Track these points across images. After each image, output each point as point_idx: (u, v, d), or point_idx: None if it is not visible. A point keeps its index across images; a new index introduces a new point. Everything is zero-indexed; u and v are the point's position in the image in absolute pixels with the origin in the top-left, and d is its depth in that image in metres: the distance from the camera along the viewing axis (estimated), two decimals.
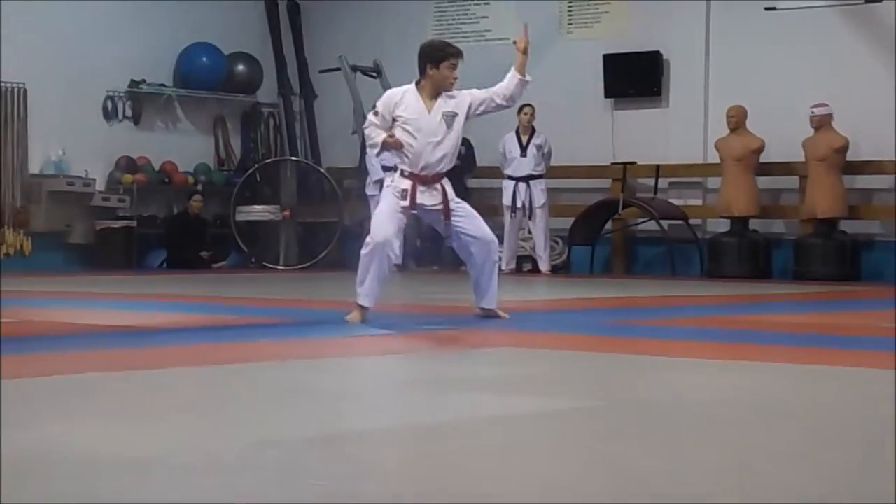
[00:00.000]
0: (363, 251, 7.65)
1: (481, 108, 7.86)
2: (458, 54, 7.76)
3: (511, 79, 7.84)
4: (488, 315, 7.90)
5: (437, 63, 7.67)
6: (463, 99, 7.78)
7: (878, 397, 4.78)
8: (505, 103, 7.92)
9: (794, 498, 3.11)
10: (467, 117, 7.82)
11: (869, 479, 3.31)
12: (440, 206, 7.72)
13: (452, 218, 7.81)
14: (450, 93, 7.74)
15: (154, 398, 4.67)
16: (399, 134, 7.68)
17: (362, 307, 7.62)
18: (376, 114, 7.75)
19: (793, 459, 3.60)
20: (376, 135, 7.69)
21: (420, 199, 7.67)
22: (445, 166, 7.78)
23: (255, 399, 4.68)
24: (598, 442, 3.87)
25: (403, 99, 7.70)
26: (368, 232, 7.77)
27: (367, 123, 7.81)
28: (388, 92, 7.94)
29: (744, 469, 3.44)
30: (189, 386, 5.06)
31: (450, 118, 7.70)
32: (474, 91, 7.86)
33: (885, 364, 5.86)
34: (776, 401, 4.80)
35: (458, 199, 7.96)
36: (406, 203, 7.66)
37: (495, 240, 8.01)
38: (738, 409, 4.49)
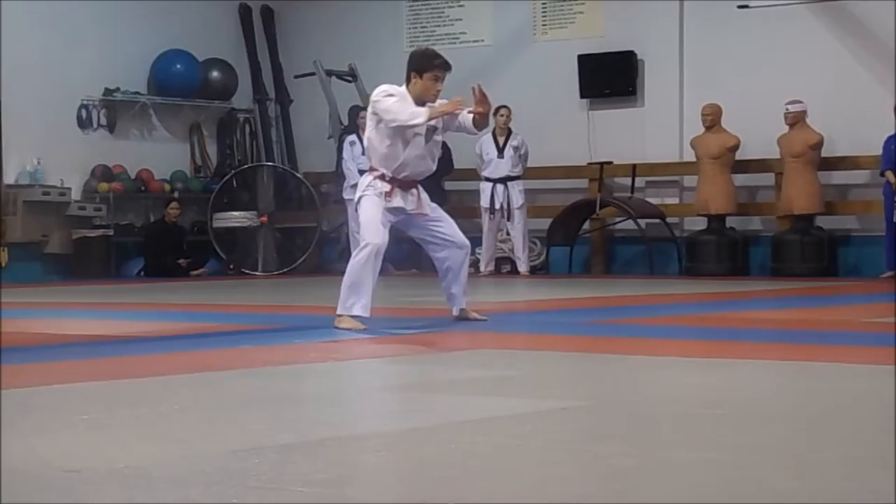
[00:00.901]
0: (357, 258, 7.48)
1: (454, 127, 7.75)
2: (443, 66, 7.59)
3: (468, 118, 7.60)
4: (465, 317, 7.89)
5: (420, 72, 7.54)
6: None
7: (861, 393, 4.80)
8: (468, 132, 7.86)
9: (781, 496, 3.12)
10: (444, 130, 7.76)
11: (855, 476, 3.32)
12: (417, 211, 7.69)
13: (428, 222, 7.78)
14: (433, 104, 7.57)
15: (136, 407, 4.65)
16: (384, 134, 7.54)
17: (356, 317, 7.44)
18: (391, 95, 7.47)
19: (778, 457, 3.60)
20: (417, 111, 7.34)
21: (399, 202, 7.63)
22: (425, 174, 7.76)
23: (237, 406, 4.67)
24: (584, 442, 3.87)
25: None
26: (348, 238, 7.73)
27: (393, 106, 7.38)
28: (390, 86, 7.58)
29: (730, 467, 3.44)
30: (171, 394, 5.04)
31: (430, 130, 7.63)
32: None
33: (866, 359, 5.89)
34: (759, 398, 4.81)
35: (433, 204, 7.93)
36: (392, 204, 7.58)
37: (468, 245, 7.98)
38: (722, 407, 4.49)
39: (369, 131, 7.67)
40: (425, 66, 7.55)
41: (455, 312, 7.94)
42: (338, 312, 7.51)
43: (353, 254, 7.67)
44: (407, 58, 7.81)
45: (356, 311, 7.43)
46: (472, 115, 7.60)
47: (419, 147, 7.61)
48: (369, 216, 7.57)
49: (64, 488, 3.25)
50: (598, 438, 3.92)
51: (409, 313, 9.18)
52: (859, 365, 5.65)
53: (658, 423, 4.26)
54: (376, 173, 7.65)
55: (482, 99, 7.58)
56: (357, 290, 7.44)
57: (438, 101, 7.58)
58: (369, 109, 7.69)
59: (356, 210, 7.83)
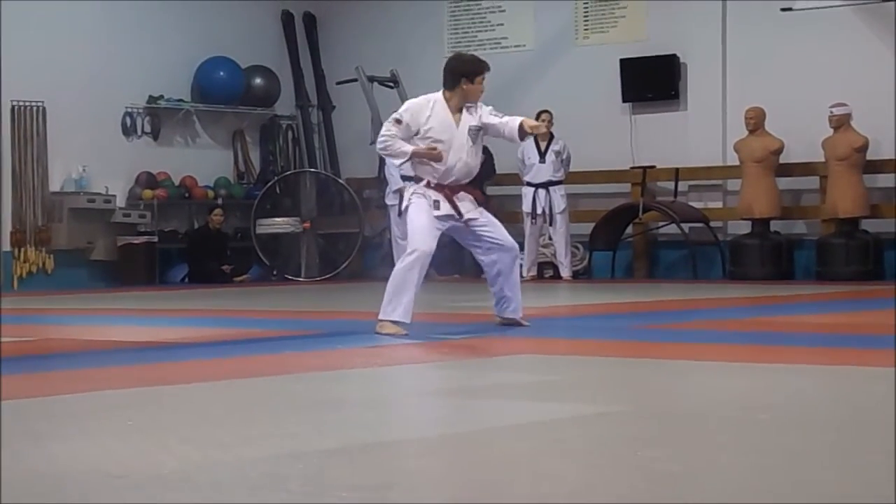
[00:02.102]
0: (403, 264, 7.51)
1: (492, 133, 7.78)
2: (489, 68, 7.76)
3: (514, 128, 7.64)
4: (510, 323, 7.86)
5: (472, 77, 7.60)
6: (483, 113, 7.70)
7: None
8: (508, 140, 7.88)
9: (825, 499, 3.10)
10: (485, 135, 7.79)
11: None
12: (466, 216, 7.70)
13: (476, 226, 7.78)
14: (470, 104, 7.66)
15: (180, 412, 4.67)
16: (427, 144, 7.56)
17: (397, 322, 7.45)
18: (398, 122, 7.57)
19: (822, 461, 3.58)
20: (401, 145, 7.55)
21: (448, 209, 7.63)
22: (470, 177, 7.77)
23: (281, 411, 4.68)
24: (627, 446, 3.86)
25: (433, 112, 7.58)
26: (391, 243, 7.76)
27: (385, 134, 7.57)
28: (414, 102, 7.71)
29: (775, 472, 3.42)
30: (216, 400, 5.06)
31: (474, 132, 7.66)
32: (489, 111, 7.71)
33: None
34: (803, 402, 4.78)
35: (480, 208, 7.93)
36: (441, 212, 7.61)
37: (517, 247, 7.98)
38: (766, 412, 4.47)
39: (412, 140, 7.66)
40: (476, 71, 7.64)
41: (504, 316, 7.89)
42: (379, 318, 7.52)
43: (400, 259, 7.67)
44: (444, 62, 7.84)
45: (397, 317, 7.44)
46: (518, 127, 7.61)
47: (462, 150, 7.62)
48: (418, 223, 7.61)
49: (109, 493, 3.27)
50: (641, 443, 3.91)
51: (452, 318, 9.18)
52: None
53: (702, 427, 4.24)
54: (423, 182, 7.66)
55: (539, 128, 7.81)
56: (399, 296, 7.45)
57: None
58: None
59: (401, 217, 7.84)
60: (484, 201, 8.07)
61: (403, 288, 7.46)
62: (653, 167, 14.81)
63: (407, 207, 7.69)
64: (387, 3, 16.94)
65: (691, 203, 14.75)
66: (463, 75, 7.60)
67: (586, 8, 15.79)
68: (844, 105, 13.68)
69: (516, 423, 4.30)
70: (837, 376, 5.56)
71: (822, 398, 4.95)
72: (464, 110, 7.61)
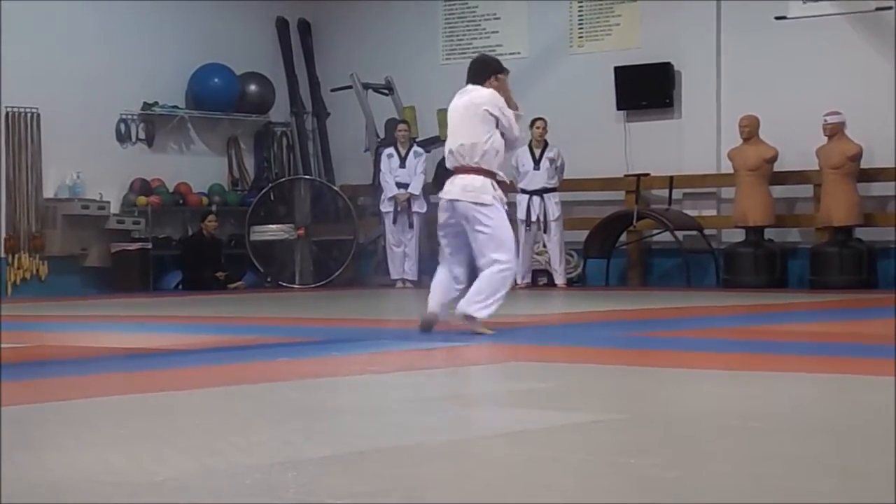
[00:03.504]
0: (499, 270, 7.73)
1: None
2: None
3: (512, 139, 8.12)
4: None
5: (502, 70, 8.07)
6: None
7: None
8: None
9: None
10: None
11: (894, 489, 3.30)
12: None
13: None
14: None
15: (175, 420, 4.67)
16: (498, 139, 7.96)
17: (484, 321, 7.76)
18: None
19: (816, 469, 3.58)
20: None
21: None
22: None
23: (276, 419, 4.68)
24: (622, 454, 3.86)
25: None
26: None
27: (514, 121, 7.98)
28: (495, 93, 7.99)
29: (769, 480, 3.42)
30: (210, 407, 5.06)
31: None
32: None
33: None
34: (797, 411, 4.78)
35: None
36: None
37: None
38: (760, 420, 4.47)
39: (495, 138, 7.90)
40: (504, 69, 8.13)
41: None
42: (472, 314, 7.70)
43: (497, 268, 7.76)
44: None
45: (485, 316, 7.73)
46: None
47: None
48: (509, 233, 7.96)
49: (104, 502, 3.26)
50: (635, 451, 3.91)
51: (446, 326, 9.17)
52: None
53: (696, 435, 4.24)
54: (494, 180, 7.95)
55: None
56: (488, 298, 7.70)
57: None
58: (488, 113, 7.88)
59: (486, 216, 7.85)
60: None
61: (496, 293, 7.75)
62: (647, 175, 14.82)
63: (491, 207, 7.86)
64: (381, 10, 16.95)
65: (685, 211, 14.76)
66: (495, 72, 8.03)
67: (581, 16, 15.81)
68: (838, 113, 13.71)
69: (510, 430, 4.30)
70: (832, 385, 5.57)
71: (817, 407, 4.95)
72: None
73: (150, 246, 15.46)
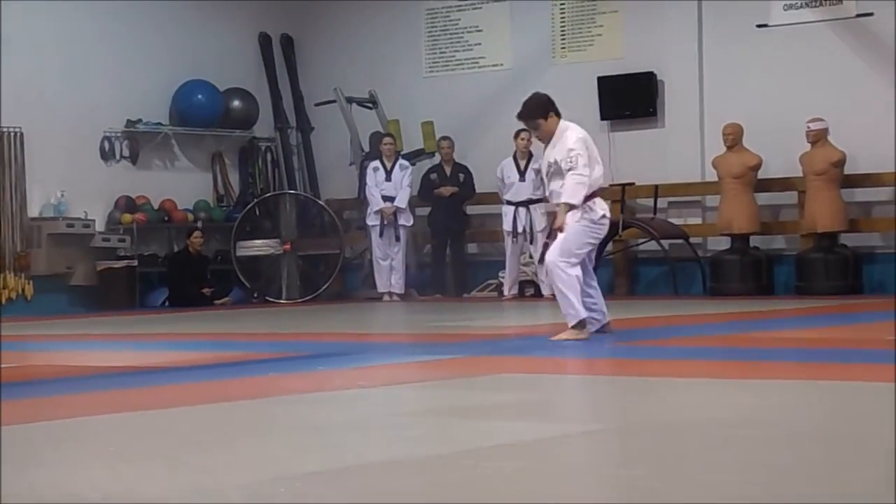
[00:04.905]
0: (567, 274, 8.02)
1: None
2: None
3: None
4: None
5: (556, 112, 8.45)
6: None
7: (889, 411, 4.77)
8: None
9: None
10: None
11: (885, 495, 3.30)
12: None
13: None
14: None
15: (162, 438, 4.65)
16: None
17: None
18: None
19: (806, 477, 3.58)
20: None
21: None
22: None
23: (263, 434, 4.67)
24: (612, 466, 3.86)
25: None
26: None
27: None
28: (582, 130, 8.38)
29: (758, 488, 3.42)
30: (197, 425, 5.04)
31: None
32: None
33: (892, 377, 5.84)
34: (785, 418, 4.78)
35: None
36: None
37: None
38: (748, 428, 4.47)
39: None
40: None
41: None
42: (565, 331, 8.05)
43: (562, 270, 8.05)
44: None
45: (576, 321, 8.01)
46: None
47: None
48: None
49: None
50: (625, 461, 3.91)
51: (434, 338, 9.17)
52: (885, 383, 5.61)
53: (685, 445, 4.24)
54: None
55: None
56: (571, 304, 8.03)
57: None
58: (578, 149, 8.26)
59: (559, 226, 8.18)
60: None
61: (571, 297, 8.09)
62: (632, 184, 14.83)
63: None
64: (364, 24, 16.96)
65: (671, 219, 14.78)
66: (553, 110, 8.50)
67: (563, 26, 15.83)
68: (821, 120, 13.74)
69: (499, 442, 4.30)
70: (819, 391, 5.57)
71: (804, 413, 4.95)
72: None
73: (135, 263, 15.42)
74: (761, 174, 14.18)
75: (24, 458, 4.19)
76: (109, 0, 15.76)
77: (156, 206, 16.01)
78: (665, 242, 14.38)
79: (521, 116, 8.47)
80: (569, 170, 8.11)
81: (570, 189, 8.10)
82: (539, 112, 8.26)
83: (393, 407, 5.71)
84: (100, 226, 15.43)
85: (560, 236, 8.09)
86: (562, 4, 15.83)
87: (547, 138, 8.35)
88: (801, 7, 14.32)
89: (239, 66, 16.87)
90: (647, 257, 15.07)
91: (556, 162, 8.21)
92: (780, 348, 7.81)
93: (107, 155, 15.82)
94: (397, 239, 15.24)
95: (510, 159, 14.78)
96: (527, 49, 15.97)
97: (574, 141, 8.20)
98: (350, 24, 17.04)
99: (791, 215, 14.40)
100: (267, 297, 15.81)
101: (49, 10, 15.21)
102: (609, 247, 15.04)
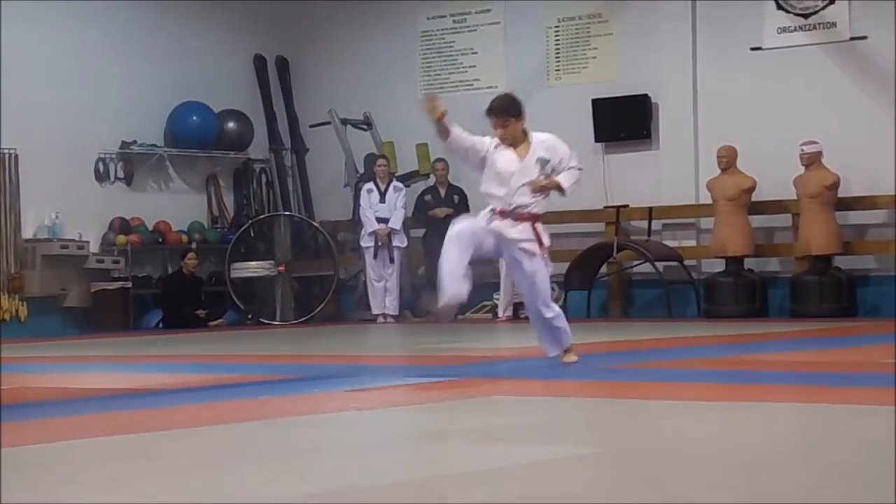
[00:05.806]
0: (555, 312, 8.12)
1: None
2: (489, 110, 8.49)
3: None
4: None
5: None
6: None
7: (882, 435, 4.76)
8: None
9: None
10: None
11: None
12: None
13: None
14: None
15: (155, 461, 4.64)
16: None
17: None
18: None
19: (801, 500, 3.58)
20: None
21: None
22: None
23: (257, 458, 4.66)
24: (604, 490, 3.84)
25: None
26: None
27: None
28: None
29: None
30: (191, 447, 5.03)
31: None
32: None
33: (887, 400, 5.84)
34: (779, 441, 4.78)
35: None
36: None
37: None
38: (741, 452, 4.47)
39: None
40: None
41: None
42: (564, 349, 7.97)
43: (553, 311, 8.13)
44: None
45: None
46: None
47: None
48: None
49: None
50: (617, 486, 3.90)
51: (427, 360, 9.16)
52: (880, 406, 5.61)
53: (678, 469, 4.23)
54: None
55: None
56: (566, 330, 8.03)
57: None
58: (567, 158, 8.47)
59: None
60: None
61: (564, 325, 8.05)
62: (626, 206, 14.85)
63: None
64: (359, 46, 16.99)
65: (665, 242, 14.80)
66: (522, 112, 8.42)
67: (557, 49, 15.87)
68: (815, 143, 13.77)
69: (493, 466, 4.29)
70: (813, 414, 5.57)
71: (798, 437, 4.95)
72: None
73: (130, 285, 15.42)
74: (755, 197, 14.20)
75: (15, 482, 4.17)
76: (104, 23, 15.80)
77: (150, 228, 16.01)
78: (659, 265, 14.39)
79: (495, 110, 8.22)
80: (571, 166, 8.19)
81: (572, 178, 8.19)
82: (515, 110, 8.21)
83: (387, 430, 5.70)
84: (94, 247, 15.43)
85: (536, 284, 8.08)
86: (556, 27, 15.87)
87: (510, 139, 8.23)
88: (795, 30, 14.37)
89: (234, 88, 16.89)
90: (641, 279, 15.08)
91: (543, 158, 8.22)
92: (774, 371, 7.80)
93: (101, 176, 15.83)
94: (391, 260, 15.24)
95: None
96: (521, 71, 16.00)
97: (559, 142, 8.29)
98: (345, 46, 17.08)
99: (785, 238, 14.42)
100: (261, 319, 15.79)
101: (44, 31, 15.24)
102: (603, 269, 15.06)
